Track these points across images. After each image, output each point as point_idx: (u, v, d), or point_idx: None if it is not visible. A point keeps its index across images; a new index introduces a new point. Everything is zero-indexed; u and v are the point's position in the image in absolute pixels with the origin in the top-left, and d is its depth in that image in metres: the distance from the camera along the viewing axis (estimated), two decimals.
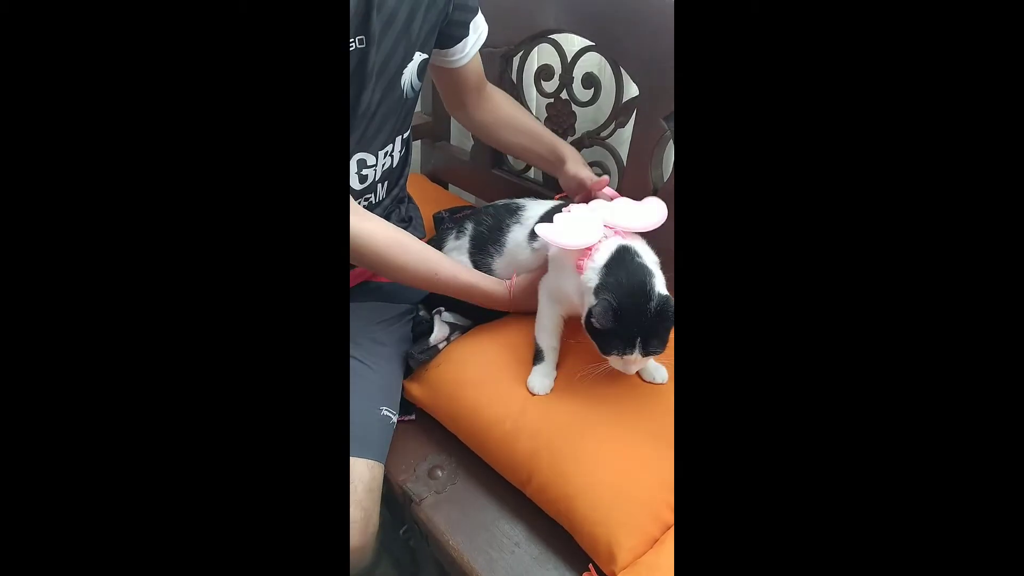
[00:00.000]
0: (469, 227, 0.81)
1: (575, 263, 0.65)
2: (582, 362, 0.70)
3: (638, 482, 0.60)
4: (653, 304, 0.61)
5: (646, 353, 0.62)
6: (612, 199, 0.77)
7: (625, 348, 0.62)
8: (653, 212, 0.68)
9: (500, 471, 0.66)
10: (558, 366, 0.71)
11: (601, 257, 0.64)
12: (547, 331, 0.70)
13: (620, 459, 0.61)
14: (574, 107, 0.90)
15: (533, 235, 0.73)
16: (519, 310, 0.76)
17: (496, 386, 0.69)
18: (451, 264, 0.71)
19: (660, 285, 0.62)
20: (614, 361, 0.63)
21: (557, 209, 0.73)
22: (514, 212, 0.78)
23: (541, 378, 0.70)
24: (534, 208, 0.78)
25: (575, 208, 0.70)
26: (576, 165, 0.83)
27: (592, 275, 0.64)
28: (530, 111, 0.94)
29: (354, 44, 0.63)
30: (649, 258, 0.66)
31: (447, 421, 0.71)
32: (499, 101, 0.86)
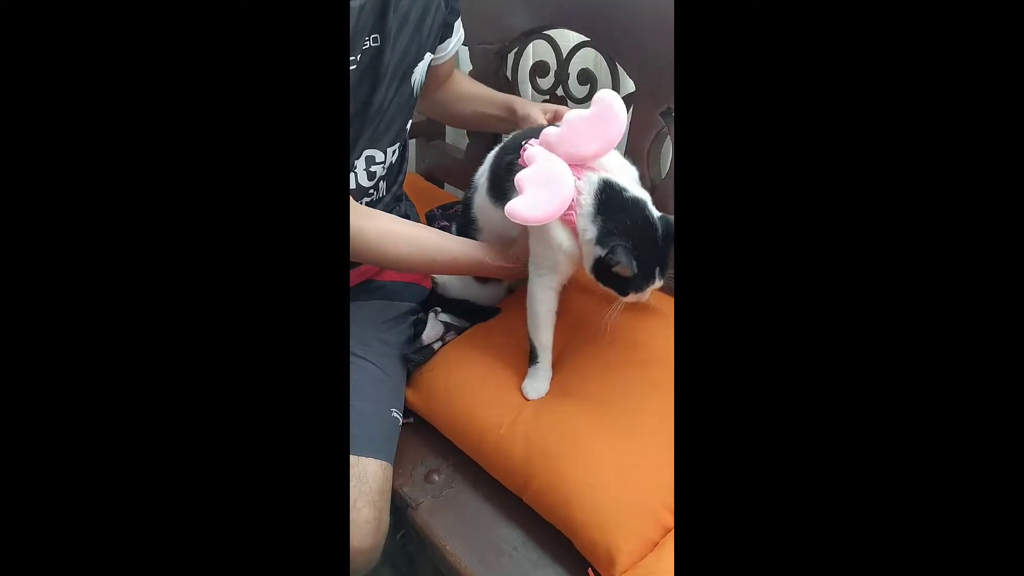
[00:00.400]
0: (454, 228, 0.80)
1: (562, 218, 0.61)
2: (580, 359, 0.68)
3: (637, 484, 0.60)
4: (660, 232, 0.60)
5: (663, 277, 0.61)
6: (556, 120, 0.68)
7: (646, 283, 0.61)
8: (610, 118, 0.60)
9: (497, 476, 0.66)
10: (554, 364, 0.69)
11: (588, 201, 0.60)
12: (541, 320, 0.67)
13: (618, 461, 0.61)
14: (570, 104, 0.90)
15: (493, 192, 0.68)
16: None
17: (490, 391, 0.69)
18: (449, 247, 0.68)
19: (654, 208, 0.61)
20: (631, 297, 0.62)
21: (505, 157, 0.67)
22: (471, 184, 0.75)
23: (536, 382, 0.68)
24: (482, 167, 0.73)
25: (531, 155, 0.61)
26: (530, 107, 0.80)
27: (587, 224, 0.60)
28: None
29: (367, 43, 0.63)
30: (631, 179, 0.62)
31: (442, 426, 0.71)
32: (455, 79, 0.86)
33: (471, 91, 0.86)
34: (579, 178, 0.61)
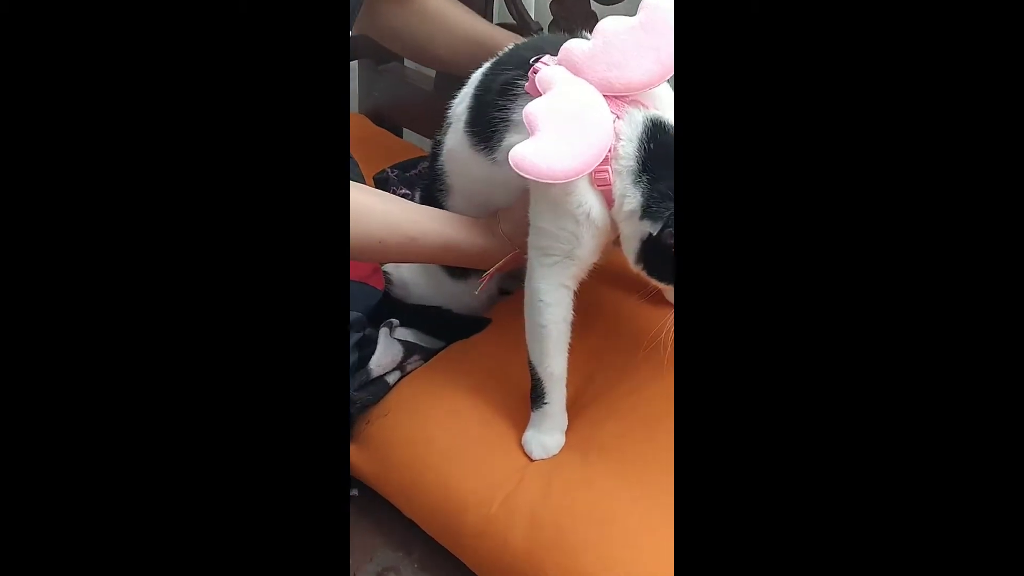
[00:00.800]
0: (417, 196, 0.65)
1: (593, 175, 0.47)
2: (612, 397, 0.54)
3: None
4: None
5: None
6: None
7: None
8: (664, 29, 0.46)
9: None
10: (570, 405, 0.54)
11: (629, 151, 0.46)
12: (549, 336, 0.51)
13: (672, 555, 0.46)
14: (593, 4, 0.69)
15: (476, 130, 0.52)
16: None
17: (473, 448, 0.54)
18: (406, 219, 0.54)
19: None
20: None
21: (501, 75, 0.51)
22: (445, 119, 0.58)
23: (543, 433, 0.52)
24: (462, 91, 0.56)
25: (548, 78, 0.47)
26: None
27: (627, 186, 0.46)
28: (520, 11, 0.71)
29: None
30: None
31: (403, 502, 0.56)
32: None
33: (451, 17, 0.66)
34: (618, 116, 0.46)
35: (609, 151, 0.46)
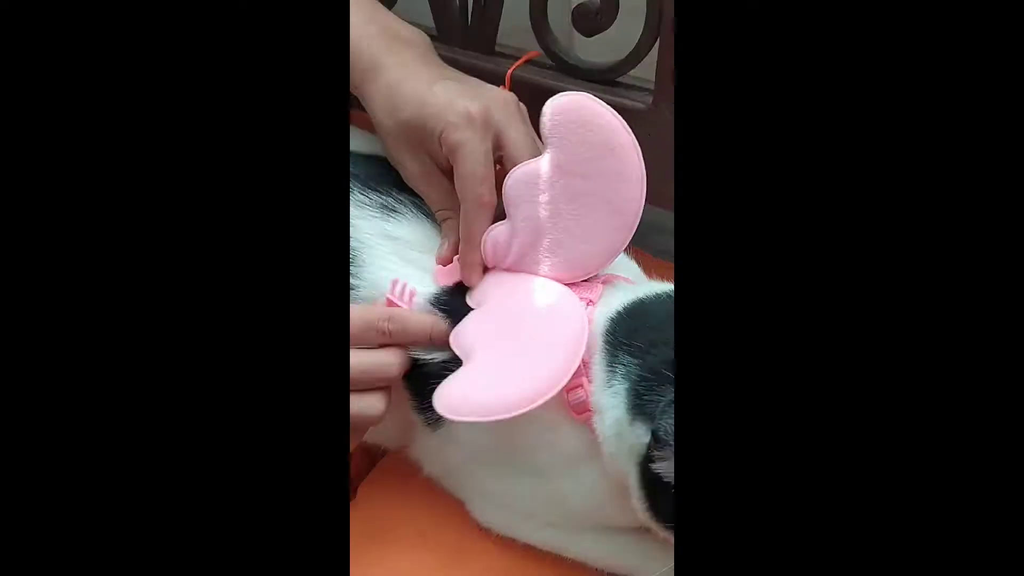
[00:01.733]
0: None
1: (564, 399, 0.34)
2: None
3: None
4: None
5: None
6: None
7: None
8: (607, 152, 0.34)
9: None
10: None
11: (600, 358, 0.34)
12: None
13: None
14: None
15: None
16: None
17: None
18: None
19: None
20: None
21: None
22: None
23: None
24: (378, 258, 0.39)
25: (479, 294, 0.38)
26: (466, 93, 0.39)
27: (604, 394, 0.33)
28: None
29: None
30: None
31: None
32: None
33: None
34: (591, 302, 0.37)
35: (584, 359, 0.34)
